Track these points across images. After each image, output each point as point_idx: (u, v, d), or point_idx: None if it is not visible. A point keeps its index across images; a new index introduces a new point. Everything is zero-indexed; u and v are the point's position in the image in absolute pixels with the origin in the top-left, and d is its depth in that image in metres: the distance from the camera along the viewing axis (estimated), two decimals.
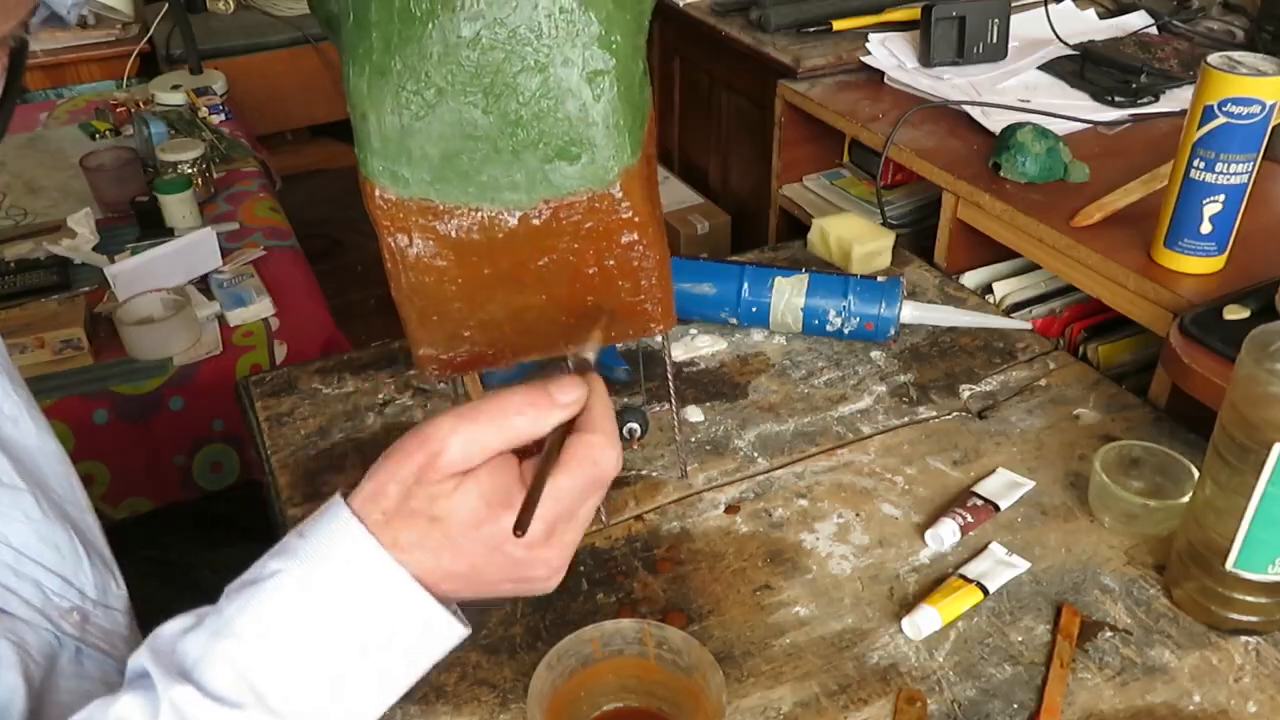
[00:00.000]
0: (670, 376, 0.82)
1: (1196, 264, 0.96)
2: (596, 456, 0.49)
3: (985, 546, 0.81)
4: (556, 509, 0.49)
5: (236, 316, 1.53)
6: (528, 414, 0.49)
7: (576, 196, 0.65)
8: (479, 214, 0.65)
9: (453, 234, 0.65)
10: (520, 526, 0.47)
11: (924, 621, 0.73)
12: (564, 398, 0.50)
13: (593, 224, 0.66)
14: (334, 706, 0.48)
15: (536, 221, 0.65)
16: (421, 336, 0.70)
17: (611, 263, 0.68)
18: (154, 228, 1.71)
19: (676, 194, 2.09)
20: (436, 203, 0.64)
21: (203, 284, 1.60)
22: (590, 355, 0.59)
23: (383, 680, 0.50)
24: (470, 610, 0.53)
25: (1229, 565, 0.70)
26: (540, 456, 0.49)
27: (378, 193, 0.64)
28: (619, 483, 0.88)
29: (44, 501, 0.63)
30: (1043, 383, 0.99)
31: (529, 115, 0.62)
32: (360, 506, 0.48)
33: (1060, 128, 1.22)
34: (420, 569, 0.48)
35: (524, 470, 0.50)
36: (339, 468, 0.91)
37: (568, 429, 0.51)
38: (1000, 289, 1.18)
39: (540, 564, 0.50)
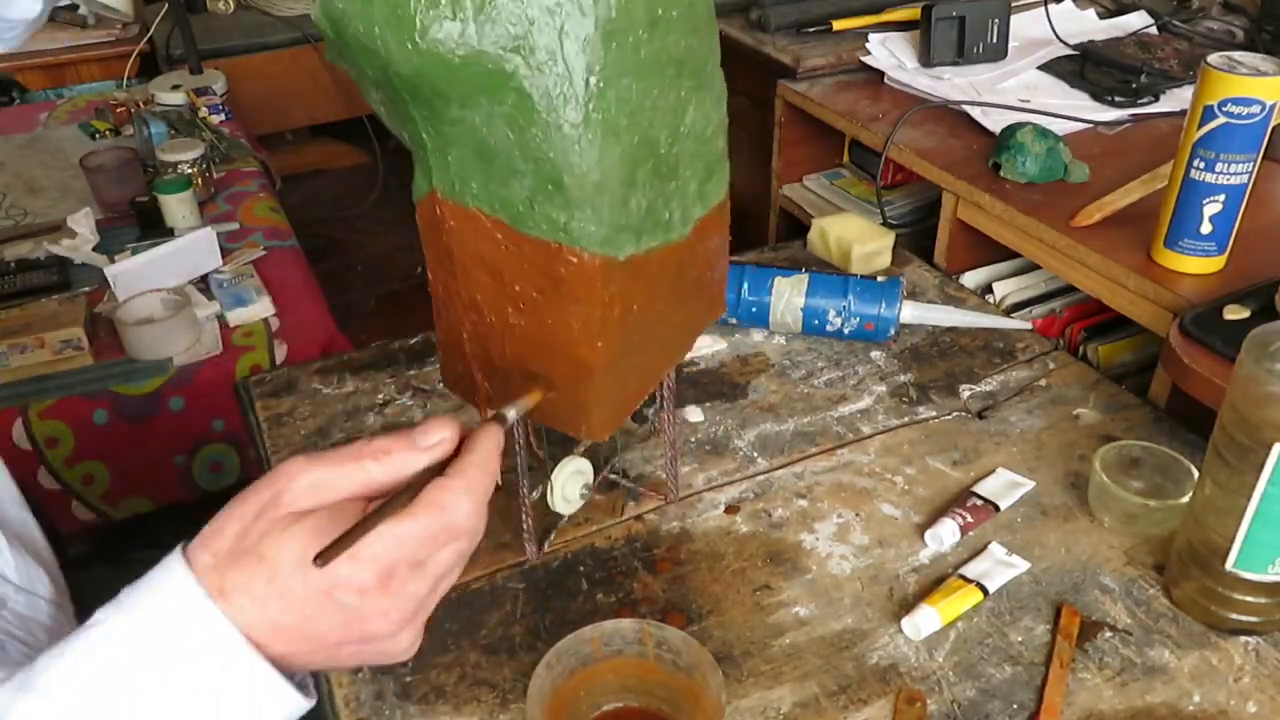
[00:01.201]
0: (668, 393, 0.81)
1: (1196, 264, 0.96)
2: (445, 501, 0.45)
3: (985, 546, 0.81)
4: (394, 554, 0.44)
5: (236, 316, 1.53)
6: (381, 460, 0.46)
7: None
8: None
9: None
10: (321, 557, 0.42)
11: (924, 622, 0.73)
12: (424, 441, 0.47)
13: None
14: None
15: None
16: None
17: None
18: (154, 228, 1.71)
19: None
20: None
21: (203, 284, 1.60)
22: (510, 414, 0.56)
23: None
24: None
25: (1229, 565, 0.70)
26: (387, 498, 0.46)
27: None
28: (614, 485, 0.88)
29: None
30: (1043, 383, 0.99)
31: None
32: (193, 550, 0.45)
33: (1060, 128, 1.22)
34: (246, 618, 0.43)
35: (368, 511, 0.46)
36: None
37: (433, 475, 0.47)
38: (1000, 289, 1.18)
39: (377, 615, 0.45)
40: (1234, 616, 0.73)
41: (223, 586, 0.44)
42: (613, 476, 0.88)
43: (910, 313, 1.05)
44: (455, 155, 0.57)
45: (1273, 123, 0.89)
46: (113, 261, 1.59)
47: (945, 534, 0.81)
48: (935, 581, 0.78)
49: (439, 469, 0.47)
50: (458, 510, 0.46)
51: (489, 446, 0.49)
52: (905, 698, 0.69)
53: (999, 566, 0.78)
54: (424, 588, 0.46)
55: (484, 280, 0.62)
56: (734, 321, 1.07)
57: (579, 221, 0.56)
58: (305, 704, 0.46)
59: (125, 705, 0.42)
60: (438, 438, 0.47)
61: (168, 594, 0.43)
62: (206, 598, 0.43)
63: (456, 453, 0.49)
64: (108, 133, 2.10)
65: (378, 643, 0.46)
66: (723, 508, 0.86)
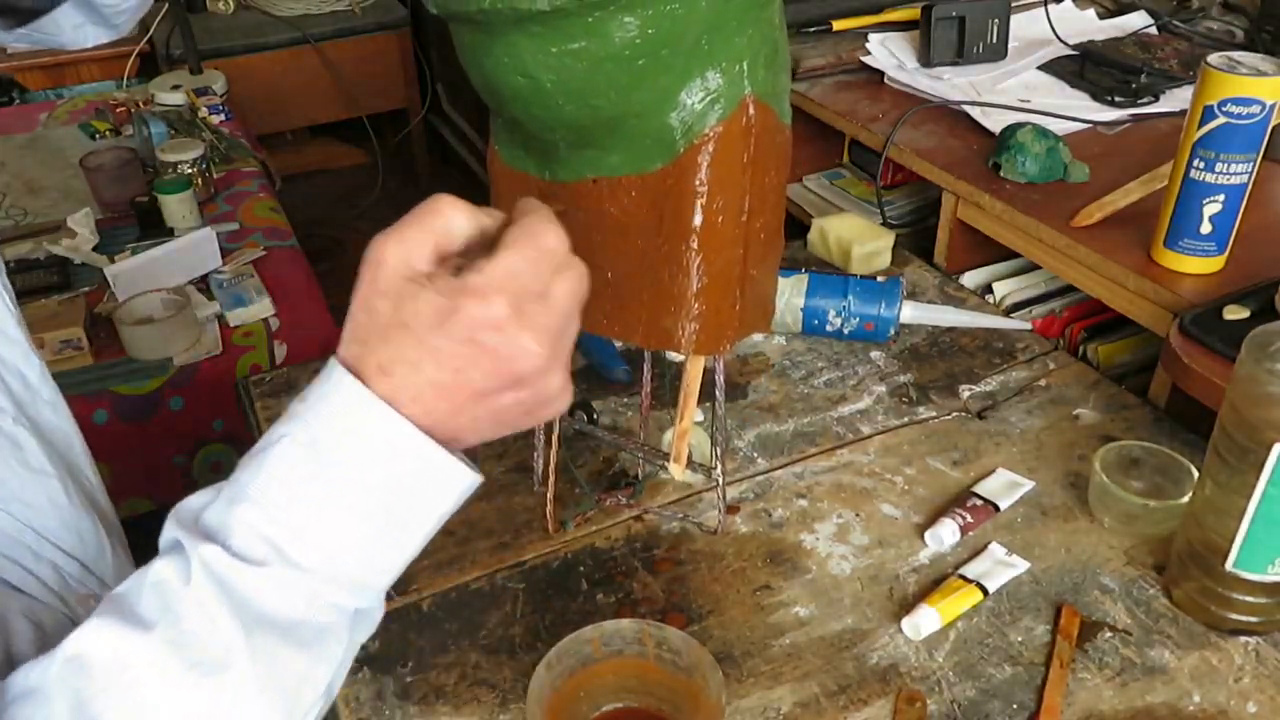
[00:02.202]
0: (719, 406, 0.79)
1: (1196, 264, 0.96)
2: (533, 230, 0.48)
3: (985, 547, 0.80)
4: (514, 284, 0.46)
5: (236, 316, 1.53)
6: (453, 207, 0.48)
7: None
8: None
9: None
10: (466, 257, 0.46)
11: (924, 622, 0.73)
12: (489, 208, 0.50)
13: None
14: (352, 557, 0.48)
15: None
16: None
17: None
18: (154, 228, 1.71)
19: None
20: None
21: (203, 284, 1.60)
22: None
23: (397, 531, 0.49)
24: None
25: (1229, 565, 0.70)
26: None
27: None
28: (617, 481, 0.88)
29: (71, 488, 0.64)
30: (1042, 383, 0.99)
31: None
32: (343, 349, 0.48)
33: (1060, 128, 1.22)
34: (408, 393, 0.47)
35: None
36: None
37: None
38: (1000, 289, 1.18)
39: (520, 352, 0.47)
40: (1234, 616, 0.73)
41: (382, 363, 0.47)
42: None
43: (910, 313, 1.05)
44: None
45: (1273, 123, 0.89)
46: (113, 261, 1.59)
47: (945, 534, 0.81)
48: (935, 581, 0.78)
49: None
50: (546, 234, 0.48)
51: (542, 206, 0.51)
52: (905, 698, 0.69)
53: (999, 566, 0.78)
54: (555, 320, 0.48)
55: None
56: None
57: None
58: (476, 477, 0.50)
59: (327, 504, 0.47)
60: (500, 212, 0.50)
61: (336, 399, 0.47)
62: (373, 397, 0.46)
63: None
64: (108, 133, 2.10)
65: (532, 384, 0.48)
66: (714, 514, 0.85)
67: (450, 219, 0.48)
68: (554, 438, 0.79)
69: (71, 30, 0.80)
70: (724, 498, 0.82)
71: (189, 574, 0.46)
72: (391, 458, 0.47)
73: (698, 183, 0.64)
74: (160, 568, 0.47)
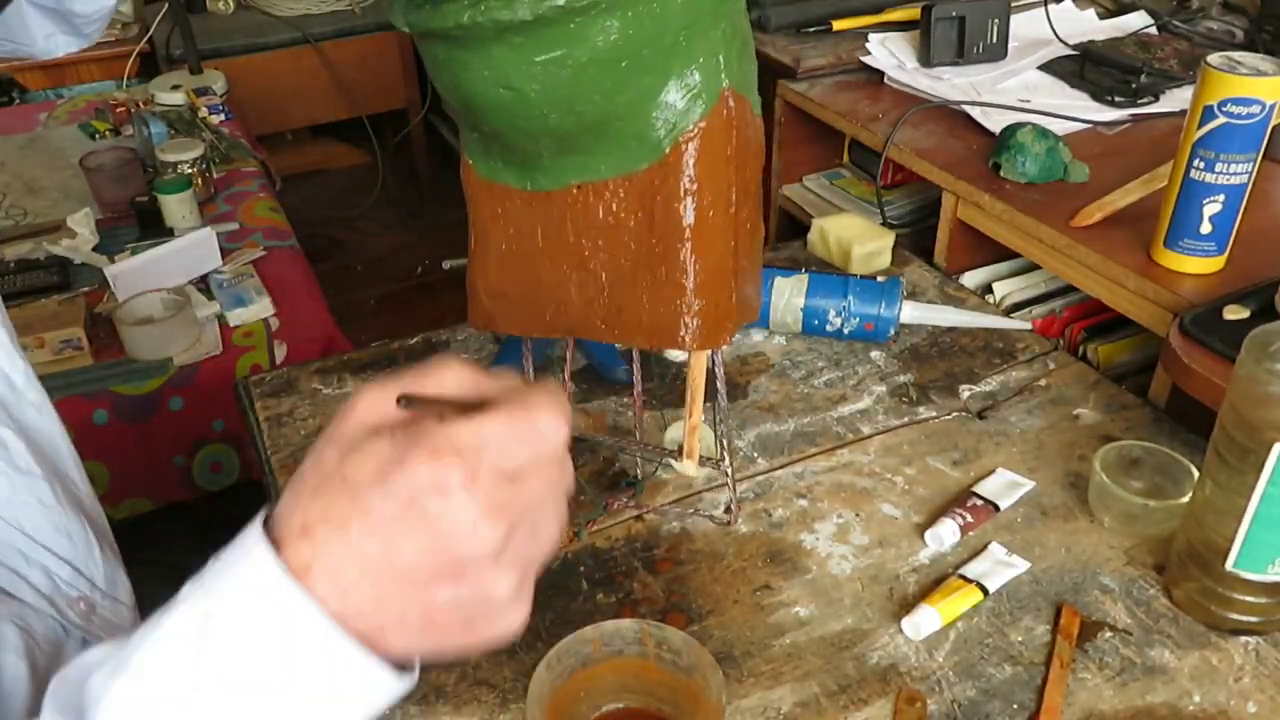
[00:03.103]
0: (721, 399, 0.79)
1: (1196, 264, 0.96)
2: (529, 401, 0.41)
3: (985, 547, 0.80)
4: (478, 452, 0.40)
5: (236, 316, 1.53)
6: (454, 367, 0.43)
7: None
8: None
9: None
10: (404, 397, 0.40)
11: (924, 621, 0.73)
12: (498, 373, 0.44)
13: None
14: None
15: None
16: None
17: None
18: (154, 228, 1.71)
19: None
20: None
21: (203, 284, 1.60)
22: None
23: None
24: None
25: (1229, 565, 0.70)
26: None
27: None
28: (617, 481, 0.88)
29: (59, 489, 0.63)
30: (1042, 383, 0.99)
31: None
32: (277, 509, 0.42)
33: (1060, 128, 1.22)
34: (326, 562, 0.40)
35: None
36: None
37: None
38: (1000, 289, 1.18)
39: (467, 532, 0.40)
40: (1234, 616, 0.73)
41: (306, 522, 0.40)
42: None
43: (910, 313, 1.05)
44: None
45: (1273, 123, 0.89)
46: (113, 261, 1.59)
47: (945, 534, 0.81)
48: (935, 581, 0.78)
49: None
50: (544, 413, 0.41)
51: (558, 394, 0.44)
52: (905, 698, 0.69)
53: (999, 566, 0.78)
54: (517, 507, 0.41)
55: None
56: None
57: None
58: (399, 684, 0.43)
59: (212, 685, 0.40)
60: (511, 378, 0.44)
61: (241, 570, 0.41)
62: (282, 575, 0.40)
63: None
64: (108, 133, 2.10)
65: (474, 579, 0.41)
66: (723, 508, 0.86)
67: (444, 380, 0.43)
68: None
69: (43, 40, 0.81)
70: (735, 489, 0.82)
71: None
72: (292, 647, 0.40)
73: (687, 179, 0.65)
74: None
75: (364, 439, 0.41)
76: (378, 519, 0.40)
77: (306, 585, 0.39)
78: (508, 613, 0.43)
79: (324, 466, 0.41)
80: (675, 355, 1.04)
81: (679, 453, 0.81)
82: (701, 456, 0.79)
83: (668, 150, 0.64)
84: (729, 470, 0.81)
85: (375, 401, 0.42)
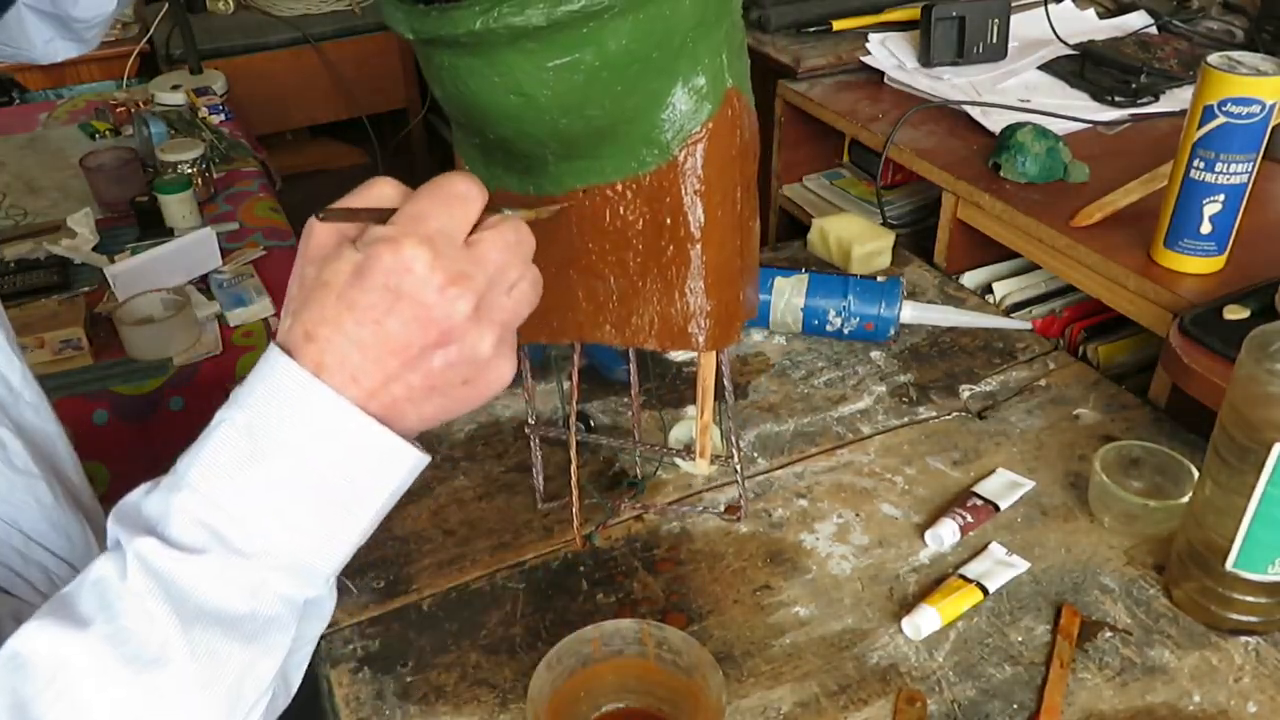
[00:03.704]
0: (729, 396, 0.80)
1: (1196, 264, 0.96)
2: (444, 179, 0.48)
3: (985, 546, 0.80)
4: (422, 227, 0.46)
5: (236, 316, 1.53)
6: (388, 182, 0.50)
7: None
8: None
9: None
10: (325, 211, 0.47)
11: (924, 621, 0.73)
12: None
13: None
14: (295, 541, 0.47)
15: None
16: None
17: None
18: (154, 228, 1.71)
19: None
20: None
21: (203, 284, 1.60)
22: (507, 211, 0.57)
23: (339, 513, 0.48)
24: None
25: (1229, 565, 0.70)
26: None
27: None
28: (617, 481, 0.88)
29: (57, 489, 0.64)
30: (1042, 383, 0.99)
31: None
32: (280, 328, 0.49)
33: (1060, 128, 1.22)
34: (334, 356, 0.46)
35: None
36: None
37: None
38: (1000, 289, 1.18)
39: (440, 300, 0.46)
40: (1234, 616, 0.73)
41: (307, 329, 0.47)
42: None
43: (910, 313, 1.05)
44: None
45: (1273, 123, 0.89)
46: (113, 261, 1.59)
47: (945, 534, 0.81)
48: (935, 581, 0.78)
49: None
50: (456, 179, 0.48)
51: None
52: (905, 698, 0.69)
53: (999, 566, 0.78)
54: (476, 269, 0.47)
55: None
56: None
57: None
58: (422, 456, 0.49)
59: (267, 487, 0.46)
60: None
61: (270, 378, 0.47)
62: (308, 376, 0.46)
63: None
64: (108, 133, 2.10)
65: (459, 340, 0.47)
66: (723, 508, 0.86)
67: (381, 189, 0.49)
68: (572, 453, 0.79)
69: (42, 45, 0.82)
70: (744, 484, 0.83)
71: (125, 569, 0.45)
72: (330, 436, 0.46)
73: (696, 180, 0.65)
74: (100, 565, 0.47)
75: (333, 250, 0.48)
76: (364, 308, 0.46)
77: (325, 380, 0.46)
78: (497, 366, 0.49)
79: (306, 282, 0.48)
80: (676, 355, 1.04)
81: (687, 452, 0.81)
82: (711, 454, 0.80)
83: (676, 152, 0.64)
84: (738, 466, 0.81)
85: (330, 225, 0.49)
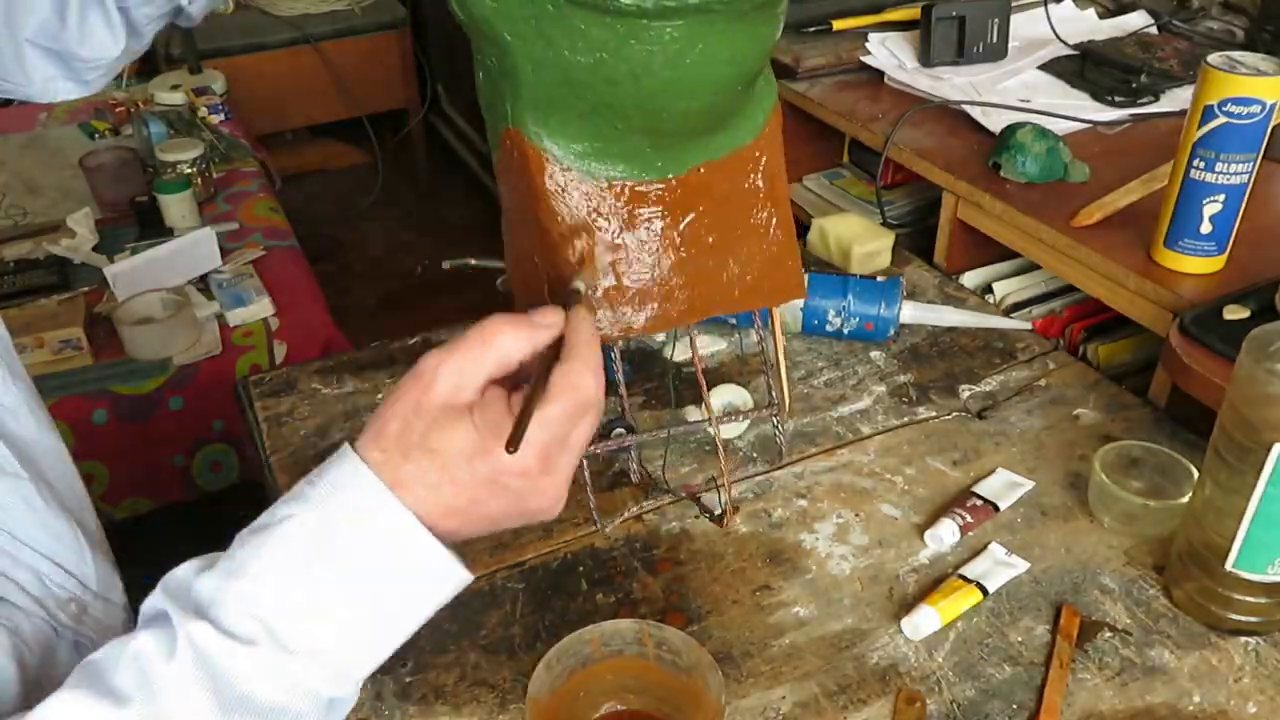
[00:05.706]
0: (778, 340, 0.86)
1: (1196, 264, 0.96)
2: (576, 382, 0.51)
3: (985, 547, 0.80)
4: (546, 435, 0.50)
5: (236, 316, 1.53)
6: (508, 334, 0.51)
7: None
8: None
9: None
10: (512, 443, 0.48)
11: (923, 622, 0.73)
12: (541, 320, 0.53)
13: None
14: (343, 646, 0.49)
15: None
16: None
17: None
18: (154, 228, 1.71)
19: None
20: None
21: (202, 284, 1.60)
22: (579, 285, 0.62)
23: (388, 622, 0.50)
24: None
25: (1229, 565, 0.70)
26: (528, 386, 0.51)
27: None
28: (618, 482, 0.88)
29: (47, 492, 0.63)
30: (1042, 383, 0.99)
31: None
32: (364, 448, 0.49)
33: (1060, 128, 1.22)
34: (422, 506, 0.49)
35: (513, 402, 0.51)
36: None
37: (553, 360, 0.53)
38: (1000, 289, 1.18)
39: (538, 494, 0.51)
40: (1234, 616, 0.73)
41: (397, 479, 0.48)
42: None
43: (910, 313, 1.05)
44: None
45: (1273, 123, 0.89)
46: (112, 261, 1.59)
47: (945, 534, 0.81)
48: (935, 581, 0.78)
49: (555, 350, 0.53)
50: (588, 387, 0.51)
51: (588, 323, 0.55)
52: (905, 698, 0.69)
53: (999, 566, 0.78)
54: (573, 461, 0.52)
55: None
56: (734, 322, 1.07)
57: None
58: (465, 578, 0.51)
59: (325, 588, 0.48)
60: (552, 319, 0.53)
61: (352, 490, 0.48)
62: (388, 490, 0.48)
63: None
64: (107, 133, 2.10)
65: (536, 515, 0.52)
66: (718, 510, 0.85)
67: (506, 349, 0.51)
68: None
69: (41, 83, 0.81)
70: (782, 429, 0.89)
71: (174, 650, 0.46)
72: (395, 550, 0.48)
73: (777, 149, 0.74)
74: (143, 640, 0.47)
75: (449, 418, 0.49)
76: (466, 488, 0.49)
77: (399, 495, 0.48)
78: (549, 512, 0.53)
79: (413, 434, 0.49)
80: (676, 355, 1.04)
81: (725, 417, 0.87)
82: (755, 405, 0.90)
83: (763, 124, 0.72)
84: (782, 406, 0.87)
85: (453, 384, 0.49)
